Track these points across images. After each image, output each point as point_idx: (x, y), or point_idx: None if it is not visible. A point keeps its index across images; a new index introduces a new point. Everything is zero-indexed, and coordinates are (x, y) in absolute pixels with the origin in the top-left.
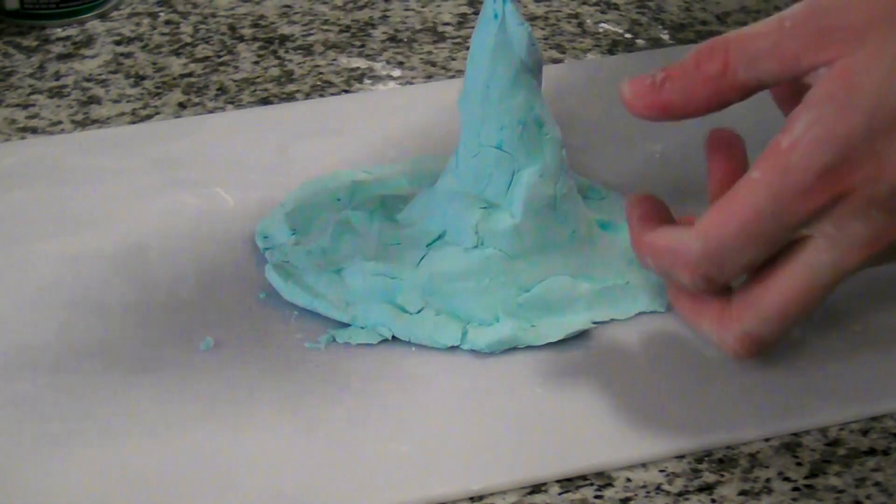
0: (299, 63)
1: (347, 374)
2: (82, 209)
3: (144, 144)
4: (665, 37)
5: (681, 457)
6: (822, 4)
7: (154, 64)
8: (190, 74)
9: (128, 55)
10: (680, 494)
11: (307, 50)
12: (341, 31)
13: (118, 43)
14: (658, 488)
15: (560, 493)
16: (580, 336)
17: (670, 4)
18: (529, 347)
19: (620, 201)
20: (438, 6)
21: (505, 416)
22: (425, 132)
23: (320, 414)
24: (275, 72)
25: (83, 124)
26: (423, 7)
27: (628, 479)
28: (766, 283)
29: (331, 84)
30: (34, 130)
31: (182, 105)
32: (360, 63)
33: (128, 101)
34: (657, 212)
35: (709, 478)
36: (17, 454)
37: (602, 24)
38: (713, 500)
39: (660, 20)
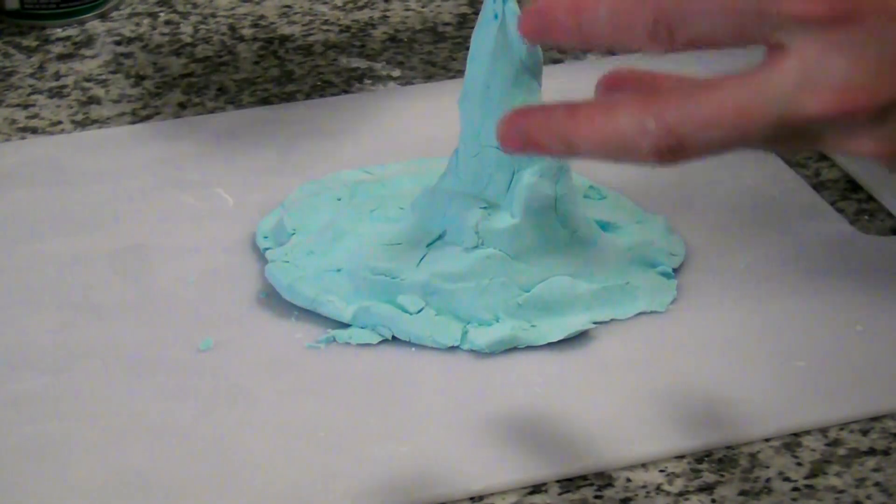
0: (299, 63)
1: (347, 374)
2: (82, 209)
3: (144, 144)
4: None
5: (681, 457)
6: None
7: (154, 64)
8: (190, 74)
9: (128, 55)
10: (680, 494)
11: (307, 50)
12: (341, 32)
13: (118, 43)
14: (658, 488)
15: (560, 493)
16: (580, 336)
17: None
18: (529, 347)
19: (620, 201)
20: (438, 6)
21: (505, 416)
22: (425, 132)
23: (320, 414)
24: (275, 72)
25: (83, 124)
26: (423, 7)
27: (628, 480)
28: (709, 82)
29: (331, 84)
30: (34, 130)
31: (182, 105)
32: (360, 63)
33: (128, 101)
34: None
35: (709, 478)
36: (17, 454)
37: None
38: (713, 500)
39: None
